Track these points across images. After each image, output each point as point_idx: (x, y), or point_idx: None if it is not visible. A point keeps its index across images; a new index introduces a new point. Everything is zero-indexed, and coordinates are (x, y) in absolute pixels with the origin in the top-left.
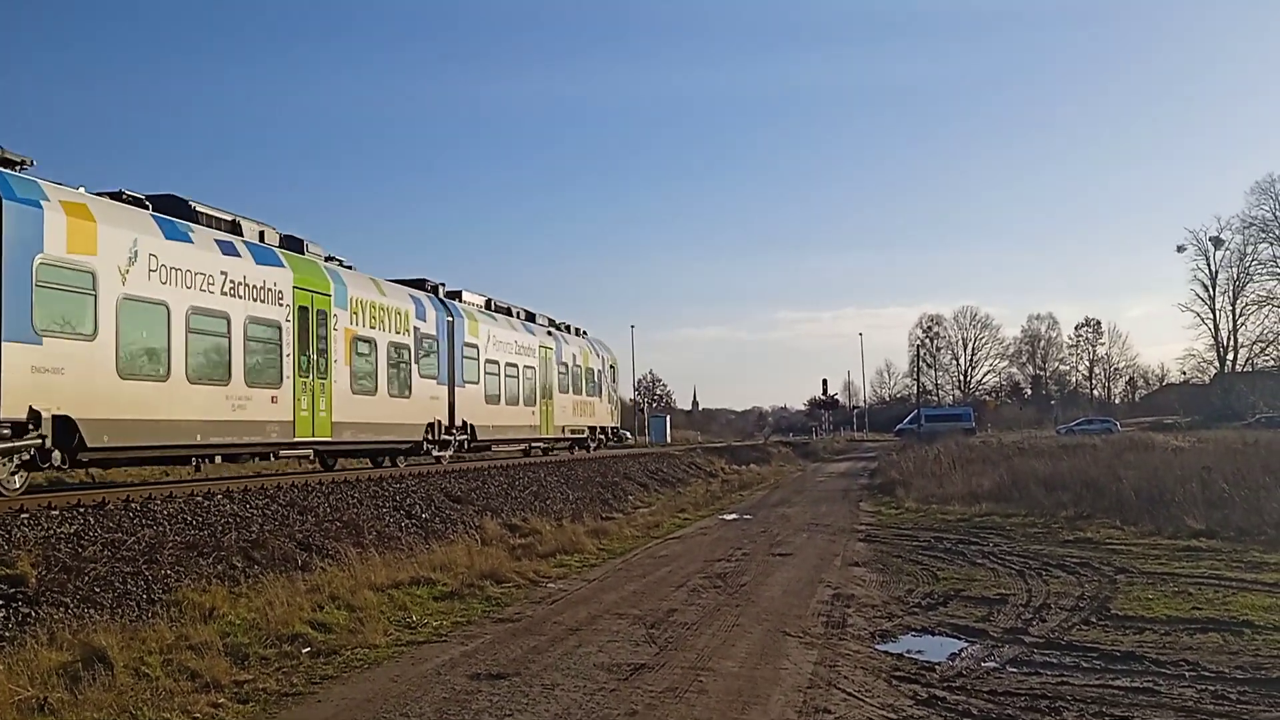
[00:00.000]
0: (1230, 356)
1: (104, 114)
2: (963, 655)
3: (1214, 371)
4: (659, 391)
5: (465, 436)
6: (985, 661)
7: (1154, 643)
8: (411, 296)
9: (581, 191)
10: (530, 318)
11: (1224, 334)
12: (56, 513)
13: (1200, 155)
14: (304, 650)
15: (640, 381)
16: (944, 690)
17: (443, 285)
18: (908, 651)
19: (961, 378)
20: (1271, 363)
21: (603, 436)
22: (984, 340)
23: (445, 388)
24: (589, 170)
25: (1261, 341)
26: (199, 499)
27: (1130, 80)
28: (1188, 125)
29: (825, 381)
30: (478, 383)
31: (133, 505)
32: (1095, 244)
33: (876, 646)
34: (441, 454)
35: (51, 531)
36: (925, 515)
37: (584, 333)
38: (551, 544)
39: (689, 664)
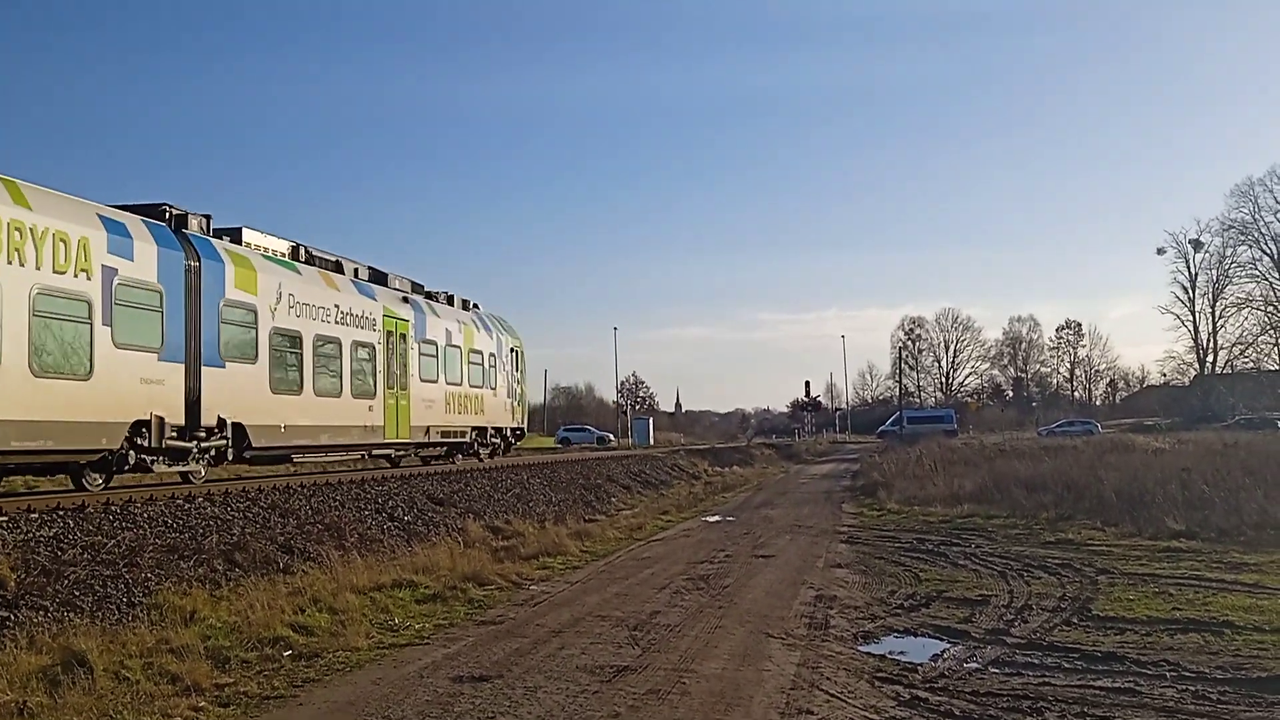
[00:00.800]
0: (1210, 358)
1: (95, 112)
2: (945, 656)
3: (1194, 373)
4: (642, 394)
5: (222, 441)
6: (967, 662)
7: (1135, 643)
8: (104, 220)
9: (562, 190)
10: (379, 279)
11: (1204, 336)
12: (35, 516)
13: (1180, 157)
14: (285, 653)
15: (623, 384)
16: (926, 691)
17: (207, 217)
18: (890, 652)
19: (943, 380)
20: (1250, 365)
21: (498, 440)
22: (965, 342)
23: (179, 366)
24: (569, 169)
25: (1241, 343)
26: (180, 501)
27: (1110, 82)
28: (1167, 127)
29: (808, 383)
30: (254, 361)
31: (113, 508)
32: (1076, 245)
33: (859, 648)
34: (181, 468)
35: (30, 534)
36: (907, 517)
37: (474, 305)
38: (534, 546)
39: (672, 666)
